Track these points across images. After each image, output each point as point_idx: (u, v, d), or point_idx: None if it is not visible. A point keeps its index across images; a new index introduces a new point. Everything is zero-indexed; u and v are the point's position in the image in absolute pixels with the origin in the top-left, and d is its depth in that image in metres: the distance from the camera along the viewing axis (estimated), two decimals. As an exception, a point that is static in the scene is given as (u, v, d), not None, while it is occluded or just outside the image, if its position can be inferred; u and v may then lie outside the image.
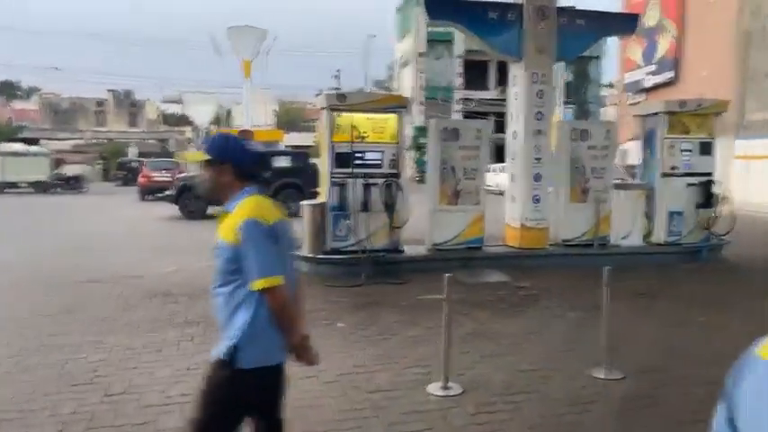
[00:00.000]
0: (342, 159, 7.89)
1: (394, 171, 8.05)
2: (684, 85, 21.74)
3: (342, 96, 7.79)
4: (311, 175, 16.51)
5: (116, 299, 6.66)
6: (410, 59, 44.30)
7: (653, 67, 24.45)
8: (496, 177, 27.66)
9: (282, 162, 16.91)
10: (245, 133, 23.77)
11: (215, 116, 58.01)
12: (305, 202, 8.01)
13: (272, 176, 16.05)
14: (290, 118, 64.10)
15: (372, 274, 7.48)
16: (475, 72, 44.72)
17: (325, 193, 7.99)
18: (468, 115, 38.52)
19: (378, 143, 8.03)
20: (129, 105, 63.29)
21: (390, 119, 8.05)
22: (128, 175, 33.41)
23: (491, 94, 44.15)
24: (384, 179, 8.00)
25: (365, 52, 32.61)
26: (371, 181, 7.99)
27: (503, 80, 46.05)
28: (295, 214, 16.56)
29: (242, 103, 31.16)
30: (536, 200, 8.54)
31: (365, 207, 7.94)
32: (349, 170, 7.87)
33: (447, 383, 4.03)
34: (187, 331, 5.38)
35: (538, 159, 8.49)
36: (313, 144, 47.67)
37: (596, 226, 8.70)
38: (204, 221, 14.92)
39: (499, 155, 40.75)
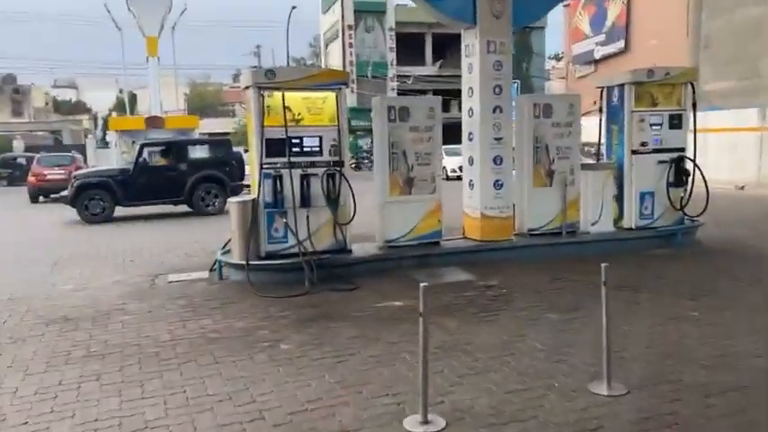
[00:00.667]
0: (275, 147, 7.32)
1: (336, 158, 7.55)
2: (634, 56, 22.28)
3: (271, 72, 7.20)
4: (235, 167, 15.81)
5: None
6: (337, 33, 43.69)
7: (602, 37, 24.97)
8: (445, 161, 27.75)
9: (199, 152, 16.03)
10: (154, 120, 22.62)
11: (117, 102, 55.29)
12: (232, 200, 7.39)
13: (188, 169, 15.16)
14: (205, 102, 62.08)
15: (317, 280, 6.98)
16: (409, 46, 44.64)
17: (255, 188, 7.40)
18: (404, 93, 38.40)
19: (316, 126, 7.51)
20: (12, 92, 59.21)
21: (329, 98, 7.53)
22: (13, 174, 31.23)
23: (428, 69, 44.23)
24: (325, 168, 7.50)
25: (287, 26, 31.57)
26: (311, 171, 7.47)
27: (440, 54, 46.47)
28: (218, 213, 15.94)
29: (147, 86, 29.59)
30: (498, 185, 8.26)
31: (305, 202, 7.42)
32: (284, 159, 7.31)
33: (426, 417, 3.61)
34: (90, 368, 4.72)
35: (498, 140, 8.21)
36: (233, 131, 46.39)
37: (564, 212, 8.53)
38: (109, 226, 13.92)
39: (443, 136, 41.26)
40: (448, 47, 47.41)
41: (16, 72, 61.57)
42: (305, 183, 7.43)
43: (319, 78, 7.47)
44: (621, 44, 23.56)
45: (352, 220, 7.66)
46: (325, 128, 7.53)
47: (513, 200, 8.47)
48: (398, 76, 41.81)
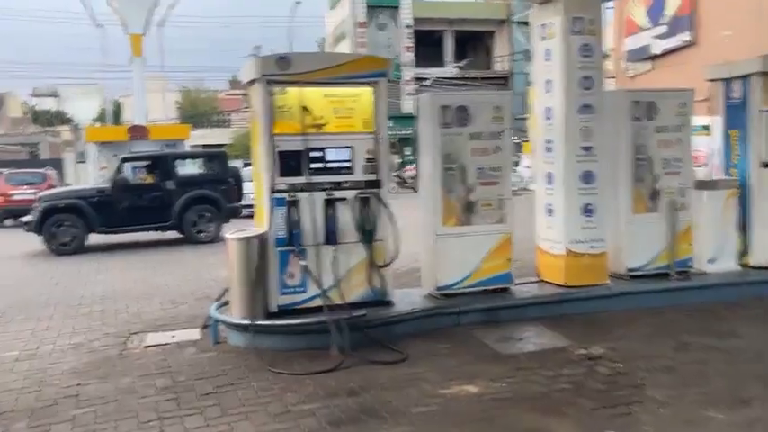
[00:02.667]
0: (289, 162, 5.86)
1: (372, 177, 6.07)
2: (704, 49, 20.76)
3: (284, 61, 5.74)
4: (232, 185, 14.37)
5: None
6: (346, 31, 42.50)
7: (662, 29, 23.48)
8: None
9: (190, 168, 14.68)
10: (137, 130, 21.29)
11: (102, 112, 54.31)
12: (231, 235, 5.89)
13: (177, 188, 13.75)
14: (198, 111, 61.07)
15: (349, 345, 5.47)
16: (427, 45, 43.45)
17: (264, 218, 5.93)
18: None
19: (345, 134, 6.05)
20: (-15, 101, 58.35)
21: (363, 95, 6.07)
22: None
23: (449, 71, 42.92)
24: (358, 191, 6.02)
25: (290, 24, 30.43)
26: (338, 195, 5.99)
27: (462, 53, 45.24)
28: (213, 240, 14.47)
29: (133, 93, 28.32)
30: (587, 211, 6.73)
31: (330, 237, 5.93)
32: (302, 179, 5.85)
33: None
34: None
35: (587, 150, 6.69)
36: (229, 142, 45.19)
37: (672, 246, 7.00)
38: (80, 258, 12.48)
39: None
40: (471, 45, 46.32)
41: (-10, 79, 60.77)
42: (330, 211, 5.95)
43: (351, 68, 5.98)
44: (687, 36, 22.05)
45: (393, 260, 6.15)
46: (358, 136, 6.07)
47: (607, 231, 6.93)
48: (416, 78, 40.48)
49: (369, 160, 6.09)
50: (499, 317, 6.37)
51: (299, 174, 5.88)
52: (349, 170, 6.05)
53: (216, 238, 13.94)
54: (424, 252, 6.62)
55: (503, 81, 41.48)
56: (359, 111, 6.08)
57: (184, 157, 15.45)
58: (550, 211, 6.90)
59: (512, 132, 6.61)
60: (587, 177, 6.71)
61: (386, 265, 6.13)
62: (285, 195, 5.87)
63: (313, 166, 5.90)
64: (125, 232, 13.77)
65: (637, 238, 6.98)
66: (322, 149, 5.96)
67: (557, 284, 6.83)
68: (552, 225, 6.88)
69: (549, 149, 6.87)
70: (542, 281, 7.08)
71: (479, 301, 6.41)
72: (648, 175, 7.01)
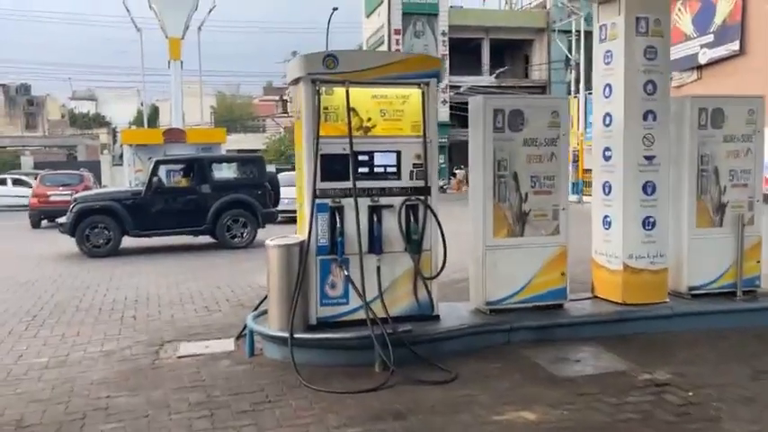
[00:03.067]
0: (334, 166, 5.54)
1: (420, 183, 5.73)
2: (753, 59, 20.08)
3: (332, 59, 5.44)
4: (268, 190, 14.17)
5: None
6: (383, 38, 42.32)
7: (710, 38, 22.79)
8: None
9: (226, 172, 14.49)
10: (174, 133, 21.26)
11: (138, 115, 54.96)
12: (271, 242, 5.59)
13: (212, 192, 13.58)
14: (234, 116, 61.50)
15: (394, 362, 5.11)
16: (464, 52, 43.05)
17: (304, 225, 5.62)
18: (456, 106, 36.64)
19: (392, 137, 5.72)
20: (26, 104, 59.52)
21: (412, 96, 5.73)
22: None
23: (485, 80, 42.46)
24: (404, 198, 5.68)
25: (327, 30, 30.33)
26: (384, 201, 5.66)
27: (498, 62, 44.71)
28: (247, 245, 14.23)
29: (170, 97, 28.46)
30: (648, 224, 6.30)
31: (374, 246, 5.60)
32: (347, 184, 5.53)
33: None
34: None
35: (650, 159, 6.27)
36: (264, 147, 45.29)
37: (739, 263, 6.52)
38: (114, 261, 12.35)
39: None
40: (507, 54, 45.82)
41: (30, 81, 62.01)
42: (375, 218, 5.63)
43: (401, 67, 5.64)
44: (736, 45, 21.33)
45: (441, 271, 5.79)
46: (407, 139, 5.73)
47: (668, 246, 6.48)
48: (451, 86, 40.11)
49: (417, 165, 5.75)
50: (552, 335, 5.96)
51: (343, 178, 5.56)
52: (396, 175, 5.71)
53: (250, 244, 13.75)
54: (473, 264, 6.25)
55: (540, 90, 40.89)
56: (407, 113, 5.75)
57: (220, 160, 15.29)
58: (608, 224, 6.48)
59: (568, 139, 6.22)
60: (649, 188, 6.28)
61: (433, 277, 5.77)
62: (328, 201, 5.56)
63: (360, 170, 5.59)
64: (159, 235, 13.62)
65: (700, 255, 6.51)
66: (368, 153, 5.64)
67: (613, 302, 6.40)
68: (610, 238, 6.45)
69: (607, 158, 6.45)
70: (596, 297, 6.65)
71: (531, 318, 6.01)
72: (714, 188, 6.56)
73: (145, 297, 8.78)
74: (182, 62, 22.30)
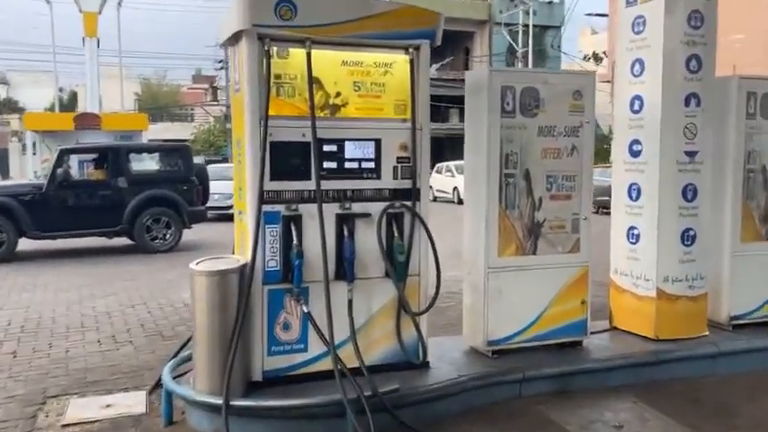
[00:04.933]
0: (288, 160, 3.95)
1: (406, 184, 4.21)
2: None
3: (288, 6, 3.81)
4: (195, 185, 12.32)
5: None
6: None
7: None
8: (449, 180, 24.55)
9: (147, 163, 12.56)
10: (86, 118, 18.94)
11: (54, 100, 51.10)
12: (198, 266, 3.93)
13: (129, 187, 11.66)
14: (159, 104, 58.26)
15: (373, 437, 3.59)
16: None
17: (246, 241, 3.99)
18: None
19: (370, 120, 4.17)
20: (-75, 86, 54.36)
21: (398, 65, 4.20)
22: None
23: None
24: (386, 204, 4.14)
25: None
26: (358, 209, 4.11)
27: (439, 54, 43.50)
28: (170, 249, 12.33)
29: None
30: (687, 239, 4.97)
31: (345, 270, 4.05)
32: (306, 184, 3.96)
33: None
34: None
35: (691, 155, 4.93)
36: (191, 138, 42.61)
37: (790, 286, 5.29)
38: (7, 268, 10.29)
39: (439, 150, 38.00)
40: (449, 46, 44.63)
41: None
42: (345, 231, 4.07)
43: (388, 21, 4.04)
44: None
45: (433, 304, 4.28)
46: (389, 123, 4.20)
47: (709, 264, 5.17)
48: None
49: (402, 160, 4.21)
50: (574, 385, 4.55)
51: (302, 176, 3.98)
52: (374, 173, 4.16)
53: (174, 247, 11.92)
54: (469, 291, 4.77)
55: (481, 84, 39.81)
56: (390, 88, 4.20)
57: (139, 150, 13.31)
58: (634, 237, 5.10)
59: (593, 129, 4.80)
60: (689, 192, 4.94)
61: (423, 312, 4.26)
62: (281, 208, 3.96)
63: (325, 165, 4.01)
64: (64, 237, 11.59)
65: (744, 275, 5.24)
66: (337, 142, 4.06)
67: (641, 336, 5.05)
68: (637, 255, 5.09)
69: (635, 153, 5.07)
70: (616, 329, 5.29)
71: (547, 363, 4.57)
72: (762, 192, 5.30)
73: (35, 321, 6.93)
74: (98, 40, 19.94)
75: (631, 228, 5.13)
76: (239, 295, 3.85)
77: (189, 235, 12.43)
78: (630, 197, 5.13)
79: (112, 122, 18.50)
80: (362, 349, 4.03)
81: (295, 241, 3.93)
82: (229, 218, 4.76)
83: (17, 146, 37.43)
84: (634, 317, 5.12)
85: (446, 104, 39.02)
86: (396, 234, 4.16)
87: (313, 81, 3.93)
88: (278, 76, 3.95)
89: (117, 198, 11.60)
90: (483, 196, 4.53)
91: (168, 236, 11.94)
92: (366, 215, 4.12)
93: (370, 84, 4.15)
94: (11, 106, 61.65)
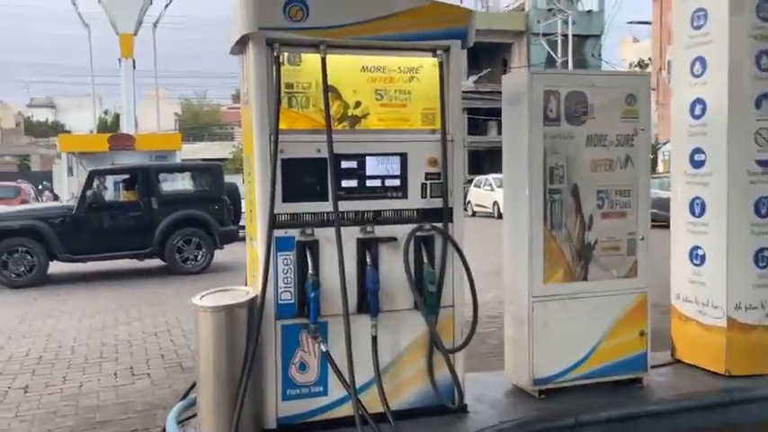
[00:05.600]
0: (302, 179, 3.51)
1: (437, 204, 3.71)
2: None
3: (299, 6, 3.39)
4: (226, 205, 12.01)
5: None
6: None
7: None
8: (488, 194, 23.87)
9: (178, 183, 12.33)
10: (120, 139, 18.94)
11: (99, 123, 52.16)
12: (201, 301, 3.49)
13: (160, 207, 11.41)
14: (199, 123, 58.96)
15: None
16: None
17: (258, 270, 3.55)
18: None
19: (394, 132, 3.70)
20: (-23, 111, 56.22)
21: (425, 69, 3.73)
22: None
23: (464, 84, 40.71)
24: (414, 226, 3.65)
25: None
26: (381, 232, 3.63)
27: (476, 66, 43.00)
28: (201, 271, 12.05)
29: (139, 102, 26.07)
30: (762, 260, 4.35)
31: (368, 302, 3.57)
32: (322, 206, 3.51)
33: None
34: None
35: (764, 165, 4.32)
36: (230, 156, 42.80)
37: None
38: (38, 291, 10.11)
39: (477, 164, 37.27)
40: (484, 58, 44.13)
41: (-16, 88, 58.81)
42: (368, 258, 3.59)
43: (411, 21, 3.58)
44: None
45: (470, 340, 3.75)
46: (416, 135, 3.72)
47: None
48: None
49: (431, 176, 3.72)
50: (634, 429, 3.97)
51: (318, 197, 3.52)
52: (400, 191, 3.68)
53: (206, 268, 11.62)
54: (511, 322, 4.24)
55: (520, 95, 39.17)
56: (417, 95, 3.73)
57: (170, 170, 13.12)
58: (699, 258, 4.50)
59: (649, 137, 4.24)
60: (763, 207, 4.33)
61: (459, 349, 3.74)
62: (295, 233, 3.51)
63: (343, 185, 3.55)
64: (95, 260, 11.40)
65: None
66: (357, 157, 3.60)
67: (709, 371, 4.43)
68: (703, 279, 4.48)
69: (697, 163, 4.48)
70: (679, 362, 4.68)
71: (603, 404, 3.99)
72: None
73: (54, 352, 6.61)
74: (134, 60, 20.02)
75: (695, 248, 4.53)
76: (249, 332, 3.40)
77: (221, 256, 12.12)
78: (693, 213, 4.53)
79: (146, 143, 18.48)
80: (389, 392, 3.54)
81: (311, 270, 3.46)
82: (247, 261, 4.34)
83: (62, 168, 38.18)
84: (700, 349, 4.51)
85: (484, 117, 38.52)
86: (425, 260, 3.66)
87: (329, 90, 3.49)
88: (290, 86, 3.52)
89: (147, 219, 11.36)
90: (525, 215, 4.01)
91: (200, 257, 11.64)
92: (391, 239, 3.64)
93: (393, 91, 3.69)
94: (57, 129, 63.21)
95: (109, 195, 12.11)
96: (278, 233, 3.47)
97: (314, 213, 3.53)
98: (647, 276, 4.23)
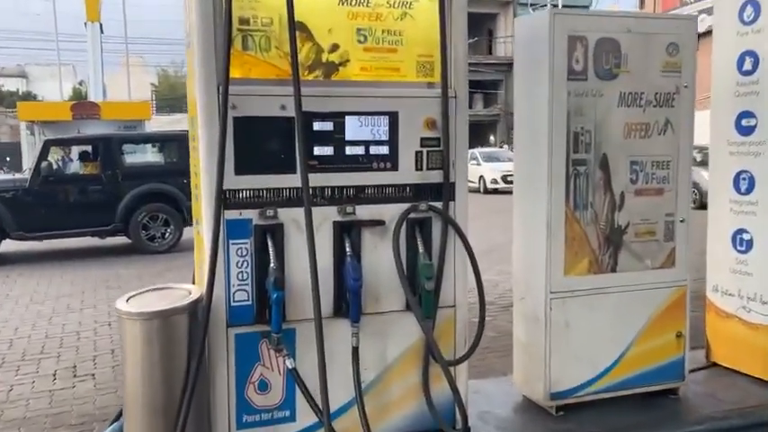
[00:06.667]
0: (260, 144, 2.69)
1: (435, 177, 2.92)
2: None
3: None
4: (197, 178, 11.12)
5: None
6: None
7: (708, 2, 20.50)
8: (474, 168, 23.10)
9: (143, 155, 11.41)
10: (84, 107, 17.83)
11: (74, 93, 50.48)
12: (127, 304, 2.67)
13: (124, 180, 10.52)
14: (176, 94, 57.41)
15: None
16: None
17: (203, 263, 2.74)
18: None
19: (382, 84, 2.89)
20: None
21: (420, 1, 2.91)
22: None
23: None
24: (407, 206, 2.86)
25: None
26: (365, 213, 2.83)
27: (476, 31, 42.06)
28: (169, 250, 11.17)
29: (115, 73, 24.92)
30: (823, 248, 3.62)
31: (347, 303, 2.79)
32: (288, 179, 2.71)
33: None
34: None
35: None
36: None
37: None
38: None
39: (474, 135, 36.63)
40: (471, 29, 42.89)
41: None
42: (346, 247, 2.80)
43: (403, -68, 2.79)
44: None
45: (475, 348, 2.98)
46: (409, 89, 2.92)
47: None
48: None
49: (428, 141, 2.92)
50: (673, 455, 3.26)
51: (282, 168, 2.72)
52: (389, 161, 2.88)
53: (174, 247, 10.74)
54: (522, 322, 3.48)
55: (507, 67, 38.32)
56: (412, 38, 2.91)
57: (134, 140, 12.16)
58: (744, 243, 3.76)
59: (693, 95, 3.46)
60: (826, 185, 3.60)
61: (461, 360, 2.98)
62: (252, 214, 2.70)
63: (315, 151, 2.75)
64: (52, 238, 10.47)
65: None
66: (334, 117, 2.78)
67: (755, 378, 3.72)
68: (748, 268, 3.74)
69: (745, 129, 3.72)
70: (715, 365, 3.97)
71: (634, 423, 3.26)
72: None
73: (5, 338, 5.79)
74: (101, 25, 18.83)
75: (739, 231, 3.79)
76: (190, 344, 2.60)
77: (190, 233, 11.26)
78: (738, 189, 3.79)
79: (113, 111, 17.35)
80: (373, 415, 2.79)
81: (273, 264, 2.66)
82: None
83: (32, 139, 36.78)
84: (743, 351, 3.79)
85: (470, 89, 37.67)
86: (421, 249, 2.88)
87: (296, 28, 2.66)
88: (244, 21, 2.68)
89: (110, 193, 10.43)
90: (542, 192, 3.23)
91: (167, 234, 10.74)
92: (378, 223, 2.85)
93: (381, 32, 2.86)
94: (29, 100, 61.32)
95: (67, 167, 11.16)
96: (230, 215, 2.67)
97: (277, 189, 2.72)
98: (687, 267, 3.48)
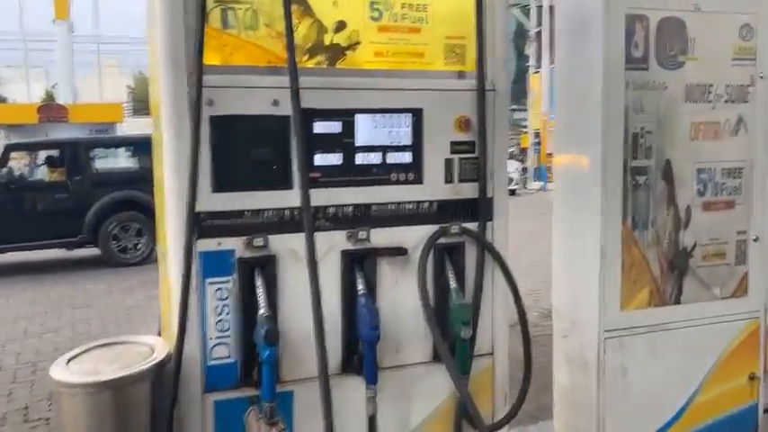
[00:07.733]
0: (246, 152, 2.04)
1: (468, 192, 2.28)
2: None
3: None
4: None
5: None
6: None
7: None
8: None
9: (113, 161, 10.68)
10: (51, 109, 16.93)
11: (47, 96, 49.22)
12: (68, 371, 1.97)
13: (92, 188, 9.80)
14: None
15: None
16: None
17: (171, 308, 2.08)
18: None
19: (401, 73, 2.25)
20: None
21: (448, -29, 2.28)
22: None
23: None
24: (435, 228, 2.23)
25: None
26: (380, 239, 2.19)
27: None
28: (142, 262, 10.37)
29: (88, 76, 23.96)
30: None
31: (358, 357, 2.15)
32: (283, 197, 2.05)
33: None
34: None
35: None
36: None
37: None
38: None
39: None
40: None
41: None
42: (358, 283, 2.15)
43: None
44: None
45: (519, 407, 2.36)
46: (435, 79, 2.28)
47: None
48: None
49: (460, 146, 2.29)
50: None
51: (275, 182, 2.07)
52: (411, 172, 2.24)
53: (147, 259, 10.00)
54: (568, 367, 2.85)
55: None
56: (439, 15, 2.27)
57: (104, 144, 11.38)
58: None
59: (768, 87, 2.88)
60: None
61: (504, 423, 2.35)
62: (235, 244, 2.05)
63: (316, 161, 2.11)
64: (14, 250, 9.68)
65: None
66: (341, 115, 2.14)
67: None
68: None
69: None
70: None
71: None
72: None
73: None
74: (71, 23, 17.97)
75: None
76: (153, 420, 1.94)
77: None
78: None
79: (82, 114, 16.45)
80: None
81: (263, 309, 2.01)
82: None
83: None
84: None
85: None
86: (453, 284, 2.24)
87: (293, 0, 2.02)
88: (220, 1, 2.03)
89: (77, 202, 9.69)
90: (594, 208, 2.61)
91: (140, 246, 10.01)
92: (398, 252, 2.21)
93: (400, 6, 2.23)
94: (-1, 103, 59.87)
95: (32, 174, 10.40)
96: (205, 245, 2.01)
97: (268, 211, 2.07)
98: (762, 294, 2.89)
